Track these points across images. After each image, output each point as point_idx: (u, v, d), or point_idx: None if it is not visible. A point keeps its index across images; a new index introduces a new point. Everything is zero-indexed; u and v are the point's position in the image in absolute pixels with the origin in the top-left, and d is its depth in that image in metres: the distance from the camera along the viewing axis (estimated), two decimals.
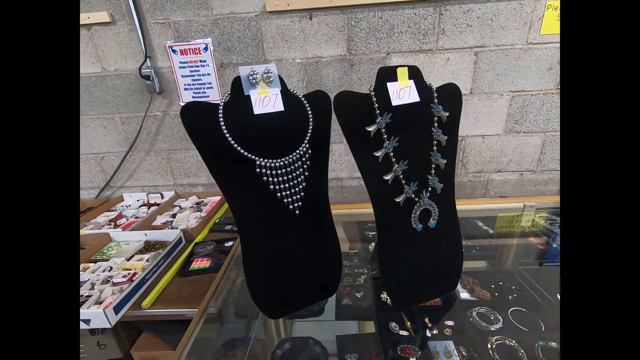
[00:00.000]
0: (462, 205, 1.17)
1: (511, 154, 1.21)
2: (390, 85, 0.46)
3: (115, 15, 1.07)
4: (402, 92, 0.46)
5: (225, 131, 0.46)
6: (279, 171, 0.50)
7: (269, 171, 0.49)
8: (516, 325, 0.63)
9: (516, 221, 1.10)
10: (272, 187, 0.50)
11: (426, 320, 0.66)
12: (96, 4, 1.05)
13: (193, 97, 1.15)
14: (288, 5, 1.03)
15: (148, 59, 1.10)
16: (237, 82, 0.48)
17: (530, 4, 1.01)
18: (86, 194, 1.35)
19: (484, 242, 0.94)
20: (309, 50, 1.09)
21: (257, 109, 0.48)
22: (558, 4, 1.00)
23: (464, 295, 0.74)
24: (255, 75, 0.48)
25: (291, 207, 0.52)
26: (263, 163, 0.49)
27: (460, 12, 1.04)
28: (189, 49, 1.10)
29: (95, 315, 0.71)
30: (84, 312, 0.71)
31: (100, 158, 1.28)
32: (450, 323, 0.65)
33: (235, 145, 0.47)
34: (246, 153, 0.47)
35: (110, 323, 0.72)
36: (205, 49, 1.10)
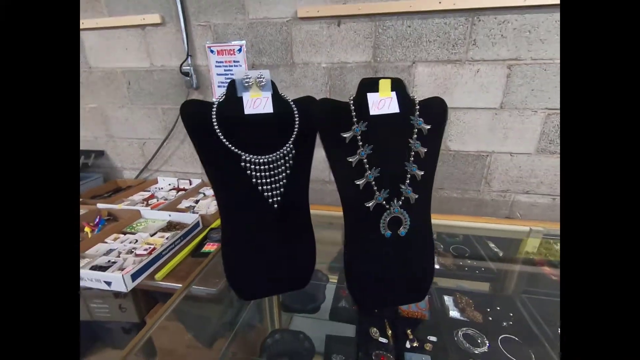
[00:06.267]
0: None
1: (543, 175, 1.12)
2: (370, 96, 0.48)
3: (165, 17, 1.20)
4: (382, 103, 0.47)
5: (217, 127, 0.52)
6: (262, 167, 0.54)
7: (252, 166, 0.53)
8: (503, 353, 0.60)
9: (543, 247, 1.02)
10: (254, 180, 0.54)
11: (408, 332, 0.65)
12: (150, 7, 1.19)
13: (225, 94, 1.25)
14: (318, 12, 1.07)
15: (189, 57, 1.22)
16: (232, 85, 0.54)
17: None
18: (128, 174, 1.52)
19: (490, 265, 0.89)
20: (335, 55, 1.12)
21: (248, 110, 0.53)
22: None
23: (454, 313, 0.72)
24: (248, 80, 0.53)
25: (270, 200, 0.56)
26: (248, 158, 0.53)
27: (495, 22, 0.99)
28: (225, 50, 1.19)
29: (115, 278, 0.81)
30: (107, 275, 0.82)
31: (142, 143, 1.44)
32: (433, 339, 0.64)
33: (224, 140, 0.52)
34: (233, 148, 0.52)
35: (127, 287, 0.82)
36: (240, 50, 1.18)
